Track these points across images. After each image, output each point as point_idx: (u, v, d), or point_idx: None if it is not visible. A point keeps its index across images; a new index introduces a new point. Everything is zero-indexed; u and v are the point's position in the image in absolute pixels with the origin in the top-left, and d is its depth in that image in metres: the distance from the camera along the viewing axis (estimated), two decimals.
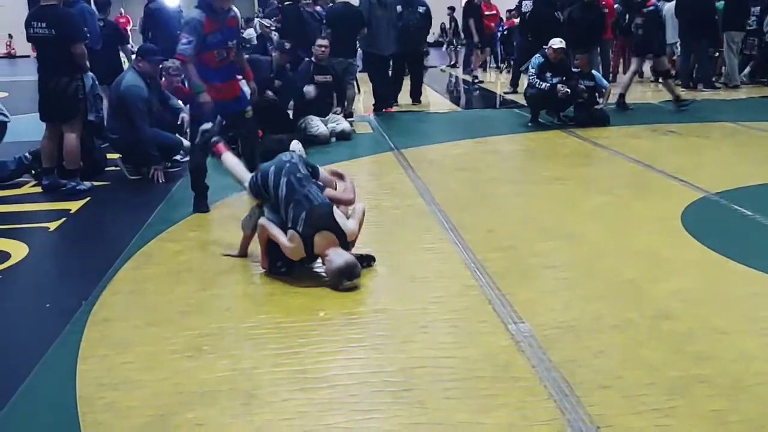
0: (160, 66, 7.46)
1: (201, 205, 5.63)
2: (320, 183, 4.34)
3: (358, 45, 10.57)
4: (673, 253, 4.46)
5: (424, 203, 5.69)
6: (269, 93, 7.96)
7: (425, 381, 3.00)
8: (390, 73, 11.00)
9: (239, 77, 5.78)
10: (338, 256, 3.96)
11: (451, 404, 2.82)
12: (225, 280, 4.20)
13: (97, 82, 7.17)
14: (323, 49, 8.46)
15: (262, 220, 4.21)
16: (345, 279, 3.94)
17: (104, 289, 4.07)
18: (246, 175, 4.55)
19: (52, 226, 5.39)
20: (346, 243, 4.10)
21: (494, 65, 18.48)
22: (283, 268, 4.21)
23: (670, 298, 3.76)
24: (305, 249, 4.02)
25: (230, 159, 4.89)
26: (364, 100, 11.94)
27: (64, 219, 5.55)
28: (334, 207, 4.16)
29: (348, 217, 4.27)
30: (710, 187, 5.88)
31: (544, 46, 9.06)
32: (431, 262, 4.41)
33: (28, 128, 6.93)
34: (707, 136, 8.41)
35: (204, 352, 3.29)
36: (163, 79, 7.57)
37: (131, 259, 4.56)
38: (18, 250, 4.80)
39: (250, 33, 18.34)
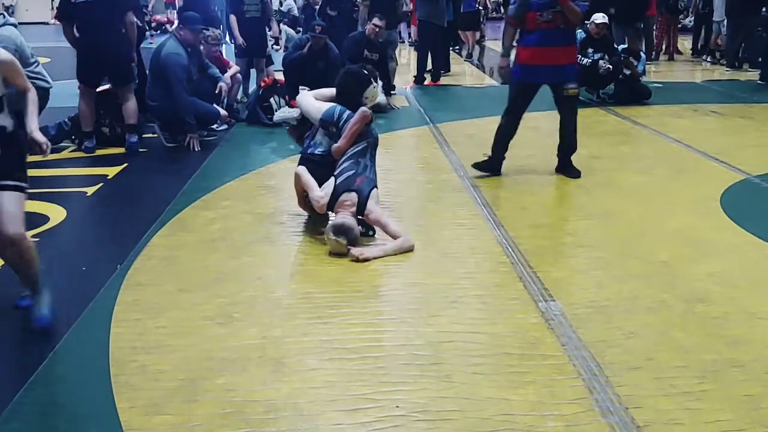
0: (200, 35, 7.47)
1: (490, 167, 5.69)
2: None
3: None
4: (710, 235, 4.38)
5: (458, 179, 5.66)
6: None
7: (453, 355, 2.99)
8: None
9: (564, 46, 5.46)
10: (343, 217, 4.16)
11: (478, 379, 2.81)
12: (257, 249, 4.22)
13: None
14: (377, 29, 8.41)
15: (298, 169, 4.47)
16: (333, 233, 4.05)
17: (139, 254, 4.13)
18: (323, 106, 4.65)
19: (90, 191, 5.47)
20: (361, 213, 4.25)
21: None
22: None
23: (705, 280, 3.70)
24: (330, 200, 4.28)
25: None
26: (401, 72, 11.85)
27: (101, 184, 5.63)
28: (373, 192, 4.32)
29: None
30: (752, 169, 5.76)
31: (586, 22, 8.90)
32: (463, 237, 4.38)
33: (69, 94, 7.01)
34: (751, 117, 8.23)
35: (235, 320, 3.33)
36: (202, 47, 7.58)
37: (166, 225, 4.61)
38: (56, 214, 4.88)
39: (289, 4, 18.31)
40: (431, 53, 10.73)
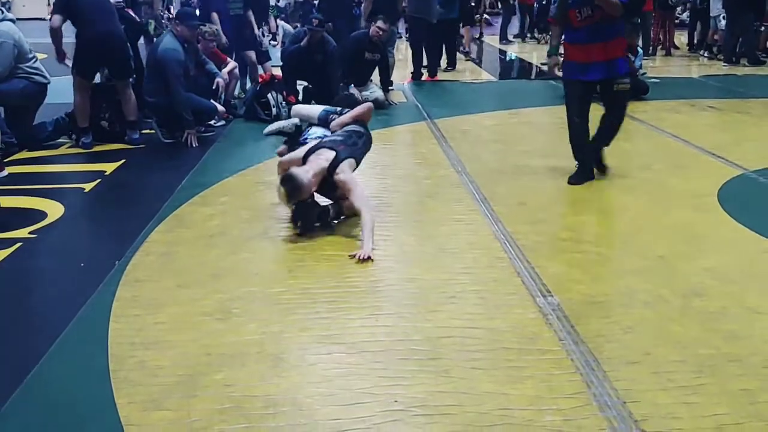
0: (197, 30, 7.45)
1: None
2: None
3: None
4: (708, 230, 4.39)
5: (455, 174, 5.66)
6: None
7: (451, 350, 3.00)
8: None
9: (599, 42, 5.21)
10: (301, 170, 4.25)
11: (476, 374, 2.82)
12: (255, 245, 4.22)
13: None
14: (381, 32, 8.39)
15: (281, 159, 4.65)
16: (280, 181, 4.23)
17: (137, 250, 4.13)
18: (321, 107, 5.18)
19: (87, 187, 5.46)
20: (333, 171, 4.28)
21: (529, 35, 18.08)
22: (299, 230, 4.33)
23: (703, 275, 3.71)
24: (309, 150, 4.43)
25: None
26: (398, 68, 11.85)
27: (99, 180, 5.62)
28: (350, 161, 4.38)
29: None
30: (749, 164, 5.76)
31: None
32: (461, 233, 4.39)
33: (66, 90, 7.00)
34: (748, 112, 8.23)
35: (233, 315, 3.33)
36: (199, 43, 7.56)
37: (164, 221, 4.61)
38: (54, 210, 4.88)
39: None
40: (425, 48, 10.75)
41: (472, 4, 15.08)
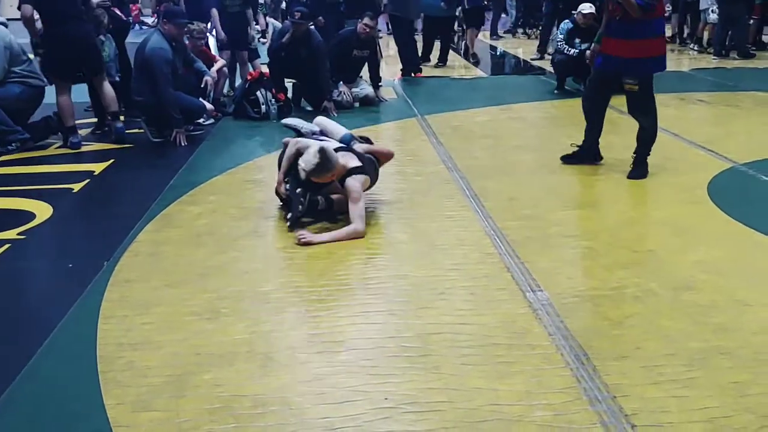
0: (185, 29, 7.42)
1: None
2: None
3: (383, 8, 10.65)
4: (697, 224, 4.39)
5: (446, 170, 5.65)
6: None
7: (442, 347, 2.99)
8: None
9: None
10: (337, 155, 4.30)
11: (466, 370, 2.82)
12: (244, 243, 4.21)
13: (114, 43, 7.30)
14: (368, 29, 8.36)
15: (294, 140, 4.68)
16: (316, 152, 4.18)
17: (125, 250, 4.11)
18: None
19: (76, 187, 5.43)
20: (350, 175, 4.33)
21: (521, 30, 18.06)
22: (288, 223, 4.37)
23: (693, 268, 3.71)
24: (341, 146, 4.58)
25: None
26: (388, 63, 11.84)
27: (87, 180, 5.59)
28: (367, 177, 4.44)
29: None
30: (738, 157, 5.77)
31: (573, 12, 8.90)
32: (452, 229, 4.38)
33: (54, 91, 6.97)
34: (738, 105, 8.24)
35: (222, 315, 3.32)
36: (187, 41, 7.52)
37: (152, 221, 4.59)
38: (42, 211, 4.85)
39: None
40: (403, 46, 10.78)
41: (486, 2, 14.88)
